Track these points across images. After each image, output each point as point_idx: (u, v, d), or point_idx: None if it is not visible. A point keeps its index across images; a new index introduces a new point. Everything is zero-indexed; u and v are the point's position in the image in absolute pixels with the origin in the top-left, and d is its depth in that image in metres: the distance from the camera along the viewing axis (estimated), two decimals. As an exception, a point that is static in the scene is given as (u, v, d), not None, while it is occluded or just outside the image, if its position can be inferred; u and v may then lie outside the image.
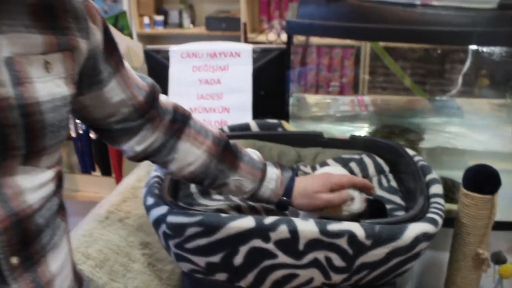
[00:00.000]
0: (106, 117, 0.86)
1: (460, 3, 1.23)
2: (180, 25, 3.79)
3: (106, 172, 1.68)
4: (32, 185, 0.67)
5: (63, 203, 0.76)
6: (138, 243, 1.11)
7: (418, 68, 2.22)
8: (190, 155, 0.93)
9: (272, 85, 1.39)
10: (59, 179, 0.73)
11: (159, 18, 3.77)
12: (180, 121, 0.93)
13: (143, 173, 1.29)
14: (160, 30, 3.78)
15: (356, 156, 1.19)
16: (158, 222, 0.93)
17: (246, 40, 3.32)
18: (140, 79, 0.91)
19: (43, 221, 0.69)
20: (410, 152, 1.14)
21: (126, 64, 0.88)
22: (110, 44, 0.82)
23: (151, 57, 1.43)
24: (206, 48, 1.39)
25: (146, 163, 1.13)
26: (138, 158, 0.94)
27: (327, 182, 0.96)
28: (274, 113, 1.39)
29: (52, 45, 0.69)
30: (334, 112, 1.67)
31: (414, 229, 0.86)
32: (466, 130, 1.57)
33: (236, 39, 3.50)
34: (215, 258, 0.91)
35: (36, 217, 0.67)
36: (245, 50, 1.37)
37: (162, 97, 0.94)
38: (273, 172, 0.98)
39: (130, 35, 3.66)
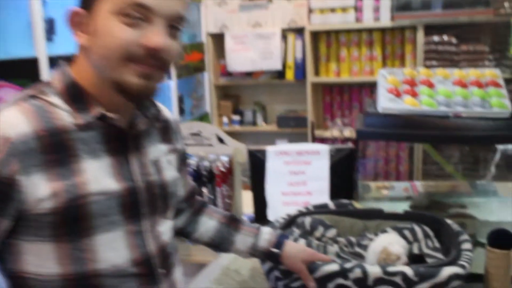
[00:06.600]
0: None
1: (482, 114, 1.68)
2: (254, 123, 4.33)
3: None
4: (165, 228, 1.13)
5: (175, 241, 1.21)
6: None
7: (462, 158, 2.65)
8: (208, 225, 1.39)
9: (344, 174, 1.86)
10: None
11: (236, 117, 4.32)
12: (201, 205, 1.42)
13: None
14: (236, 127, 4.32)
15: (409, 226, 1.60)
16: (271, 269, 1.38)
17: (314, 136, 3.80)
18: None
19: (171, 250, 1.14)
20: (449, 221, 1.55)
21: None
22: (184, 148, 1.32)
23: (253, 155, 1.94)
24: (294, 148, 1.89)
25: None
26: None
27: (306, 256, 1.33)
28: (346, 196, 1.85)
29: (169, 150, 1.20)
30: (392, 194, 2.11)
31: (448, 271, 1.26)
32: (497, 206, 1.97)
33: (304, 134, 4.00)
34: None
35: (168, 246, 1.13)
36: (323, 149, 1.86)
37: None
38: (266, 229, 1.41)
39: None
